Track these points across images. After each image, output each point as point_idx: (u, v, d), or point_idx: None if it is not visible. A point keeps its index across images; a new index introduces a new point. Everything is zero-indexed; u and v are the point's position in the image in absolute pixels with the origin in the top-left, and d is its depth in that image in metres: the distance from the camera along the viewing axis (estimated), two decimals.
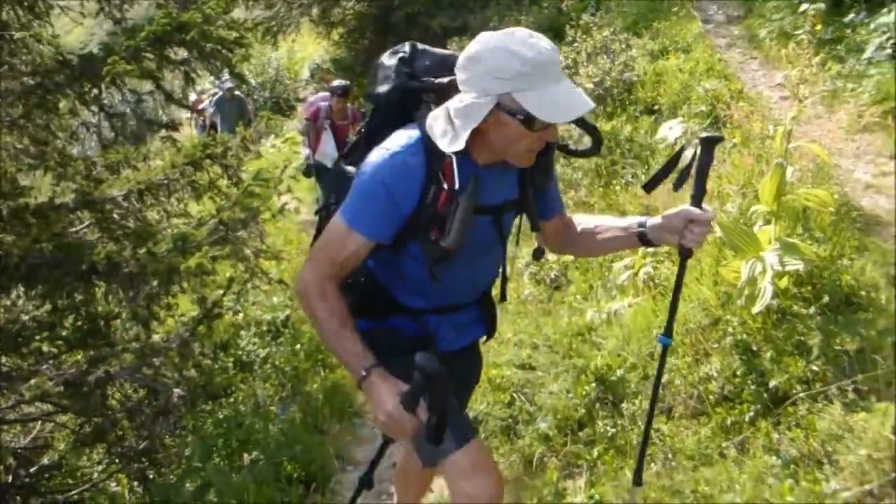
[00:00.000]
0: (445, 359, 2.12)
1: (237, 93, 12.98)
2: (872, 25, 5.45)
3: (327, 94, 8.49)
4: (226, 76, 12.18)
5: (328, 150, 8.28)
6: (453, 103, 2.02)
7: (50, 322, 4.12)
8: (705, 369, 3.46)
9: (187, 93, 12.62)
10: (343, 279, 2.17)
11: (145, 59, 4.14)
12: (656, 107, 6.44)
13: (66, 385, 4.02)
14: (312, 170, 8.39)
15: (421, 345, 2.17)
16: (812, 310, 3.30)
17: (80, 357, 4.28)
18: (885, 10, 5.83)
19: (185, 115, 12.82)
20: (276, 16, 11.10)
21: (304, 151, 8.58)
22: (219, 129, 11.77)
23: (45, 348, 4.15)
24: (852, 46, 5.75)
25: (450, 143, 1.98)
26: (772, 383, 3.17)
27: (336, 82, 8.65)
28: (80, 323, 4.21)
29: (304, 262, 2.20)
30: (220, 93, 12.40)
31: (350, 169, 2.30)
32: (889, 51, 5.71)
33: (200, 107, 13.17)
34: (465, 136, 1.96)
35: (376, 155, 2.09)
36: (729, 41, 7.42)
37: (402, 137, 2.10)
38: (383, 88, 2.22)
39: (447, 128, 2.00)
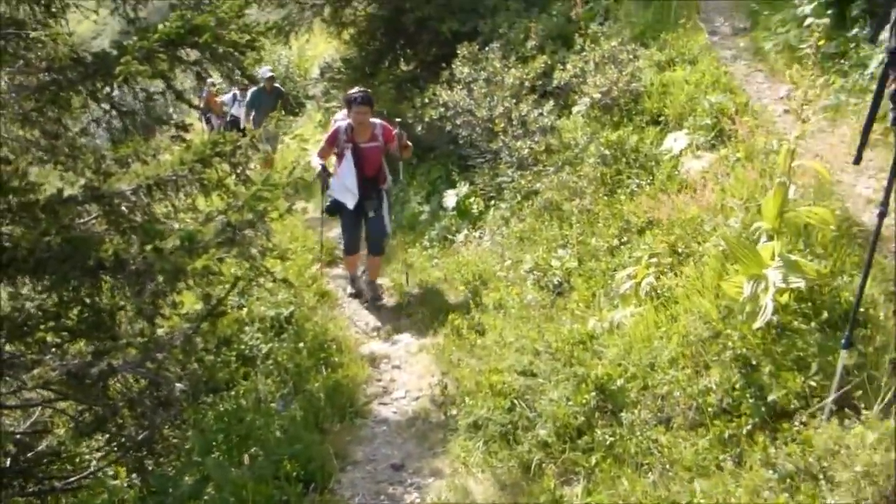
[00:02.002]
0: None
1: (276, 84, 12.22)
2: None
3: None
4: (264, 67, 11.91)
5: (346, 183, 6.63)
6: None
7: (55, 312, 4.16)
8: (705, 382, 3.50)
9: (197, 92, 12.60)
10: None
11: (158, 60, 4.19)
12: (662, 118, 6.46)
13: (69, 375, 4.07)
14: (334, 207, 6.83)
15: None
16: (811, 326, 3.34)
17: (83, 346, 4.32)
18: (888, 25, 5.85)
19: (194, 112, 12.61)
20: (288, 15, 11.09)
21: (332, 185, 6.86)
22: (252, 123, 11.24)
23: (49, 338, 4.20)
24: (856, 61, 5.77)
25: None
26: (770, 397, 3.21)
27: (355, 90, 6.82)
28: (85, 315, 4.25)
29: None
30: (260, 83, 11.51)
31: None
32: None
33: (221, 100, 12.81)
34: None
35: None
36: (734, 53, 7.44)
37: None
38: None
39: None
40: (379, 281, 7.27)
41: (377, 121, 6.79)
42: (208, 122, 13.72)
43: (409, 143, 6.94)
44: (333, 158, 6.84)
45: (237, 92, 12.31)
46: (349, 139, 6.61)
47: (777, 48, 6.95)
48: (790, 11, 7.09)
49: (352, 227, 6.93)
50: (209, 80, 11.99)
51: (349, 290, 7.25)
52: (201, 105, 12.96)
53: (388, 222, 7.03)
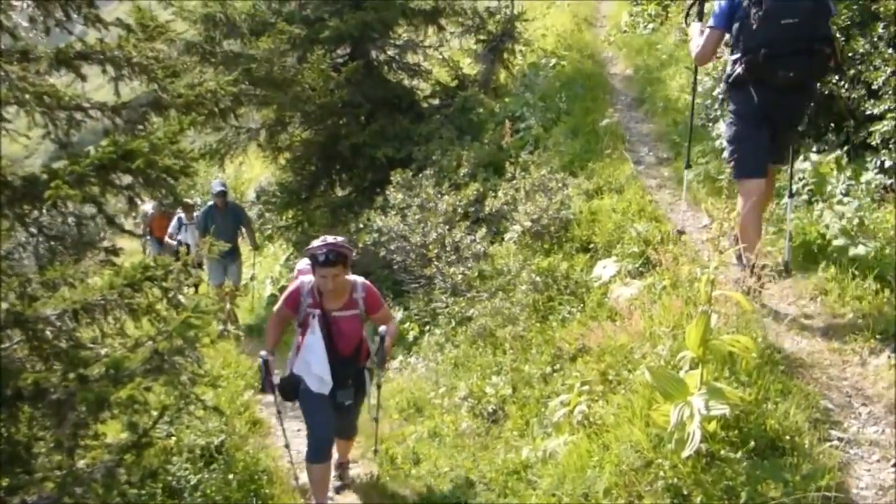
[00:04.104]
0: None
1: (231, 199, 10.85)
2: (789, 173, 5.78)
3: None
4: (216, 180, 11.13)
5: (314, 369, 4.74)
6: None
7: None
8: None
9: (134, 215, 12.06)
10: None
11: (89, 185, 4.17)
12: (591, 245, 6.66)
13: None
14: (290, 388, 4.87)
15: None
16: (739, 454, 3.38)
17: None
18: (801, 157, 6.23)
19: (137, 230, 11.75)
20: (223, 139, 11.23)
21: (290, 356, 5.04)
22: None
23: None
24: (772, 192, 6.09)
25: None
26: None
27: (319, 241, 4.73)
28: None
29: None
30: (209, 202, 10.29)
31: None
32: (805, 197, 6.06)
33: (170, 230, 11.24)
34: None
35: None
36: (659, 182, 7.79)
37: None
38: None
39: None
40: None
41: (358, 279, 4.98)
42: (146, 242, 12.58)
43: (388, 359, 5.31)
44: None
45: (182, 215, 11.01)
46: (315, 304, 4.77)
47: (698, 178, 7.29)
48: (709, 143, 7.50)
49: (320, 411, 4.83)
50: (154, 203, 11.14)
51: None
52: (143, 228, 12.33)
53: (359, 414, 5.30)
